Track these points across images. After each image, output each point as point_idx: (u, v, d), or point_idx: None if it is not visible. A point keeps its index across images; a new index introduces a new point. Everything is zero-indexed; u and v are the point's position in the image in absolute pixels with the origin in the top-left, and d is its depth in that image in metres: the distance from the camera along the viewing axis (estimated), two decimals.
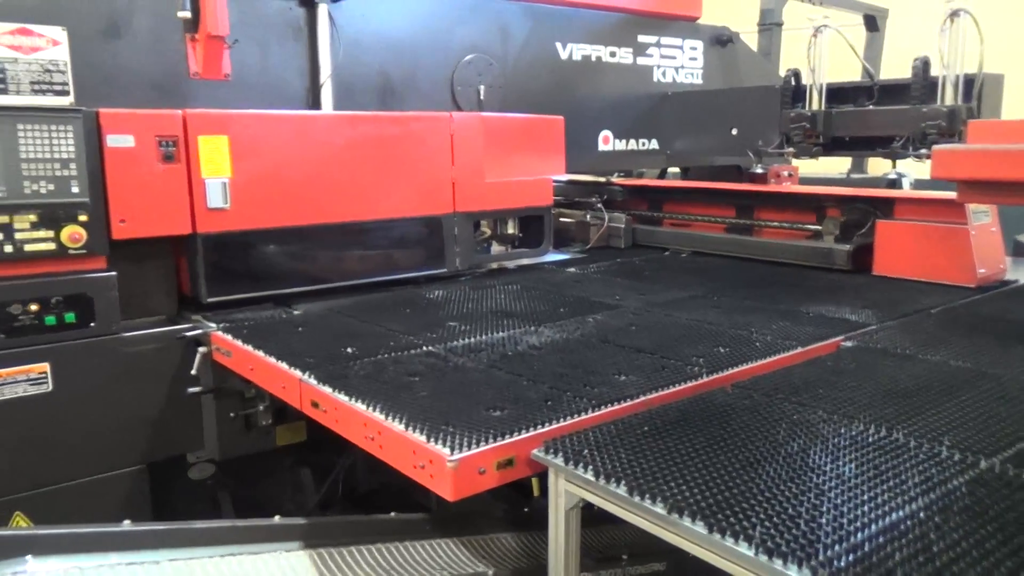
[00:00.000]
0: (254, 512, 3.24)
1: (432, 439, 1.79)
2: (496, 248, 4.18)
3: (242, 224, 3.01)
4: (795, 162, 5.08)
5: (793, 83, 4.26)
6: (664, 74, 5.08)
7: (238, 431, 2.99)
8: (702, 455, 1.70)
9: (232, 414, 2.93)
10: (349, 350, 2.54)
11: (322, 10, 3.45)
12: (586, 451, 1.72)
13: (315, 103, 3.53)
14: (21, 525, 2.62)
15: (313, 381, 2.26)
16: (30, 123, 2.55)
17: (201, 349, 2.85)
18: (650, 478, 1.58)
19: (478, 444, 1.77)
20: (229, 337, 2.74)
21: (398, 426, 1.89)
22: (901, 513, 1.44)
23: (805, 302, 3.23)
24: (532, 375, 2.27)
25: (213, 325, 2.89)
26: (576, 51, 4.55)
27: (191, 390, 2.86)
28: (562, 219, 5.15)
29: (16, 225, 2.54)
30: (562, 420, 1.92)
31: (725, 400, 2.08)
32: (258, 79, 3.40)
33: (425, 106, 3.90)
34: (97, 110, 2.70)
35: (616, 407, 2.02)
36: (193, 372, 2.86)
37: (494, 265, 4.15)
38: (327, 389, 2.18)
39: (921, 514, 1.43)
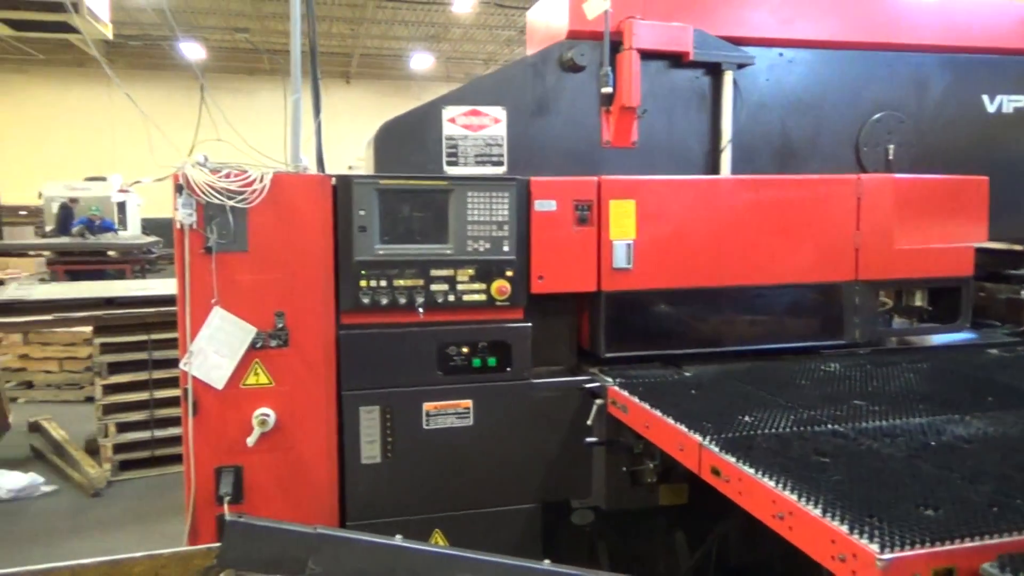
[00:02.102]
0: (627, 565, 3.32)
1: (856, 531, 1.65)
2: (898, 321, 3.80)
3: (642, 284, 3.12)
4: None
5: None
6: None
7: (624, 484, 3.07)
8: None
9: (623, 468, 3.02)
10: (747, 418, 2.47)
11: (727, 77, 3.49)
12: None
13: (713, 167, 3.57)
14: (439, 543, 2.97)
15: (715, 448, 2.22)
16: (478, 191, 2.95)
17: (597, 402, 3.00)
18: None
19: (912, 545, 1.58)
20: (626, 393, 2.84)
21: (814, 510, 1.78)
22: None
23: None
24: (967, 473, 1.99)
25: (610, 380, 3.02)
26: (1007, 103, 4.01)
27: (588, 440, 3.02)
28: None
29: (458, 278, 2.95)
30: (1017, 533, 1.64)
31: None
32: (661, 145, 3.53)
33: (825, 167, 3.72)
34: (529, 179, 3.03)
35: None
36: (589, 423, 3.02)
37: (893, 340, 3.79)
38: (730, 458, 2.14)
39: None
